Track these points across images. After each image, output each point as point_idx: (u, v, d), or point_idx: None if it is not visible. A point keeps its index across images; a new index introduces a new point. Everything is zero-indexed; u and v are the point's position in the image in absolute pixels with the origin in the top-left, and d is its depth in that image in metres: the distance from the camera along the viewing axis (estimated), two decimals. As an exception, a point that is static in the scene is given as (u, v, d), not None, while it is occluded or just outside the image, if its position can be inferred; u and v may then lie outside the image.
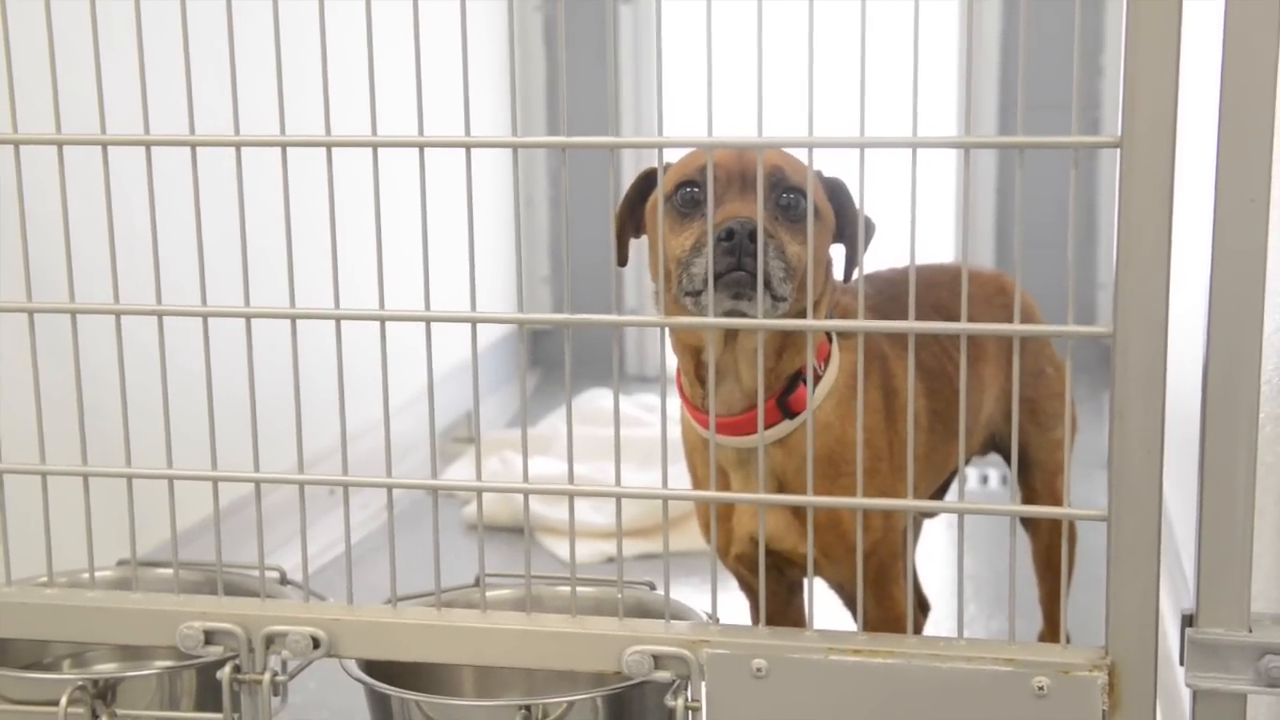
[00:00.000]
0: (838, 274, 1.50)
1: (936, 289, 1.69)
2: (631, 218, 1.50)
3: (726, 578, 1.57)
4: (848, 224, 1.46)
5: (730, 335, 1.44)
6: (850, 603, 1.60)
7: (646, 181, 1.48)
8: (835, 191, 1.47)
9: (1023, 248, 1.20)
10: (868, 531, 1.48)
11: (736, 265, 1.31)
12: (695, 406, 1.49)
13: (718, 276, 1.32)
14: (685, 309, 1.38)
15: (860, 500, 1.26)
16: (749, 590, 1.65)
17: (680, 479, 1.39)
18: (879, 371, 1.54)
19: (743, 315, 1.35)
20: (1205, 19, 1.18)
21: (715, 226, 1.32)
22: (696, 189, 1.40)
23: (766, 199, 1.37)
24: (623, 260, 1.48)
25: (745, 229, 1.31)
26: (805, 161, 1.34)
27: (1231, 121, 1.08)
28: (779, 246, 1.35)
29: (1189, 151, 1.18)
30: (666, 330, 1.45)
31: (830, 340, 1.51)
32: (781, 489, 1.48)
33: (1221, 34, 1.07)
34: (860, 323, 1.23)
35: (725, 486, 1.50)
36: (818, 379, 1.47)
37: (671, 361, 1.53)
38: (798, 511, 1.49)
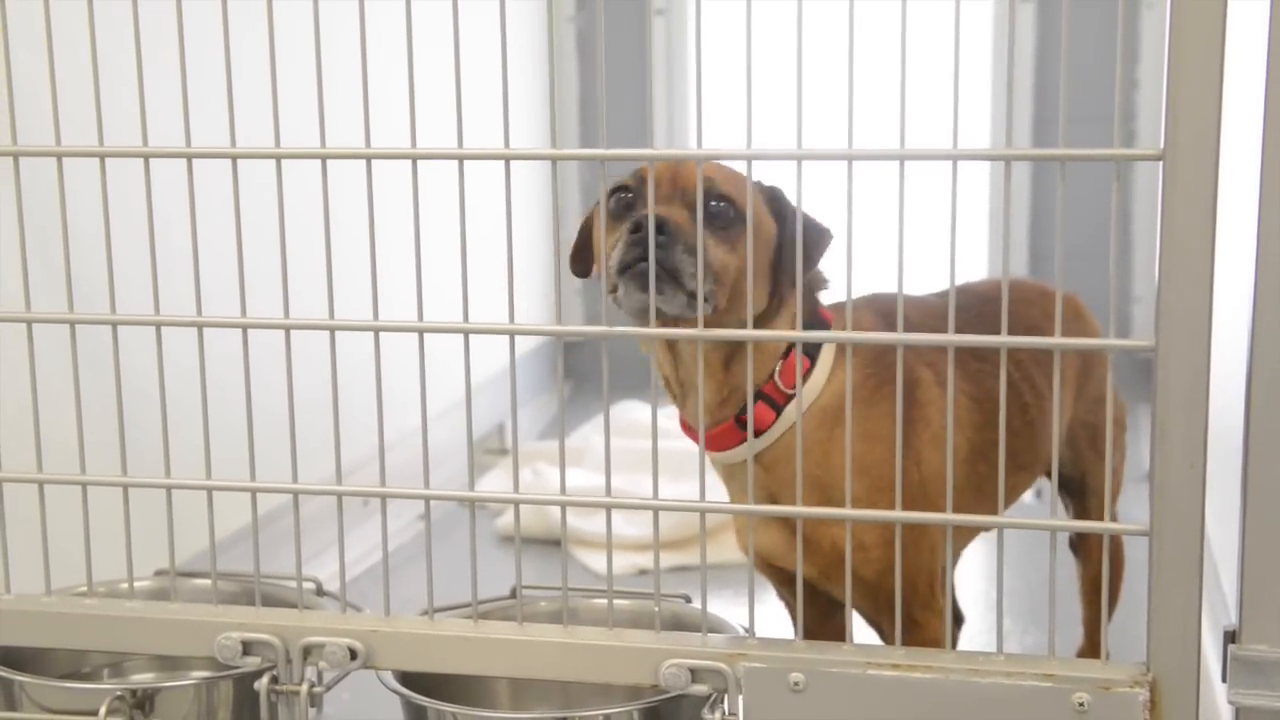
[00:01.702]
0: (781, 284, 1.43)
1: (1028, 306, 1.66)
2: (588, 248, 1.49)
3: (765, 590, 1.56)
4: (788, 234, 1.39)
5: (671, 345, 1.42)
6: (872, 626, 1.57)
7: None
8: (774, 202, 1.42)
9: (1063, 261, 1.19)
10: (868, 562, 1.42)
11: (642, 257, 1.30)
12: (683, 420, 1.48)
13: (627, 267, 1.31)
14: (614, 307, 1.36)
15: (895, 514, 1.26)
16: (785, 601, 1.65)
17: (716, 491, 1.38)
18: (891, 396, 1.42)
19: (660, 311, 1.33)
20: (1248, 30, 1.18)
21: (630, 222, 1.33)
22: (629, 194, 1.39)
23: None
24: (581, 273, 1.50)
25: (656, 223, 1.30)
26: (743, 173, 1.33)
27: (1276, 133, 1.07)
28: (691, 244, 1.31)
29: (1231, 163, 1.17)
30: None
31: (812, 359, 1.43)
32: (774, 504, 1.44)
33: (1266, 46, 1.06)
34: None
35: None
36: (788, 397, 1.41)
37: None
38: (793, 530, 1.44)
